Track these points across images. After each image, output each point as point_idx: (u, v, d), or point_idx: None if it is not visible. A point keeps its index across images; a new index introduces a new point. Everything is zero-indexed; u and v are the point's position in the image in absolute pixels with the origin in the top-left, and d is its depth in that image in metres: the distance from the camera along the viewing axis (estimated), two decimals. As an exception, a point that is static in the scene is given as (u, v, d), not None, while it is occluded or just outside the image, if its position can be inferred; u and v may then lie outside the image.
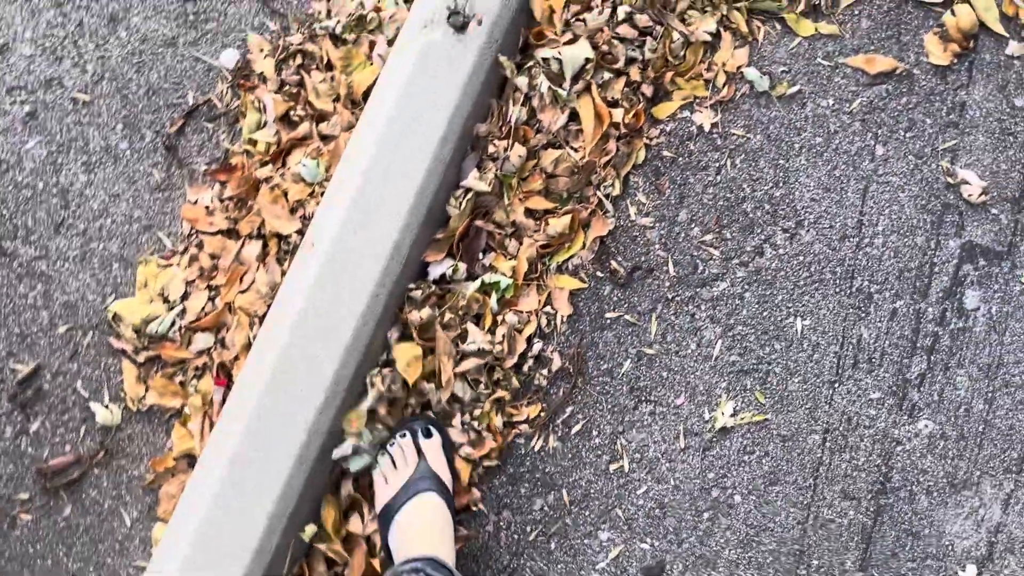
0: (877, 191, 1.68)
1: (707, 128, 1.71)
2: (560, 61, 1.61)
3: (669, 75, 1.68)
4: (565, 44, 1.63)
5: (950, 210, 1.66)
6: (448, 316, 1.54)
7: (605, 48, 1.64)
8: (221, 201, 1.72)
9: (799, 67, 1.73)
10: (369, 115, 1.54)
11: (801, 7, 1.74)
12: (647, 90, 1.67)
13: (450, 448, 1.50)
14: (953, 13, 1.71)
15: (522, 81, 1.61)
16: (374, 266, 1.44)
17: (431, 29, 1.55)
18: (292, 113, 1.73)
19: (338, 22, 1.75)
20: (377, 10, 1.77)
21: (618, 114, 1.63)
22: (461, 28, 1.54)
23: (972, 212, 1.65)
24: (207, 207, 1.72)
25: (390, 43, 1.69)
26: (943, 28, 1.72)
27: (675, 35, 1.67)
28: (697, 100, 1.72)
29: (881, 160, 1.69)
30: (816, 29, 1.75)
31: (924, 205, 1.67)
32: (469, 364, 1.53)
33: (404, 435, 1.49)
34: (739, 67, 1.72)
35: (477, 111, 1.59)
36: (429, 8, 1.56)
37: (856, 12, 1.75)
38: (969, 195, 1.66)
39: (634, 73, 1.66)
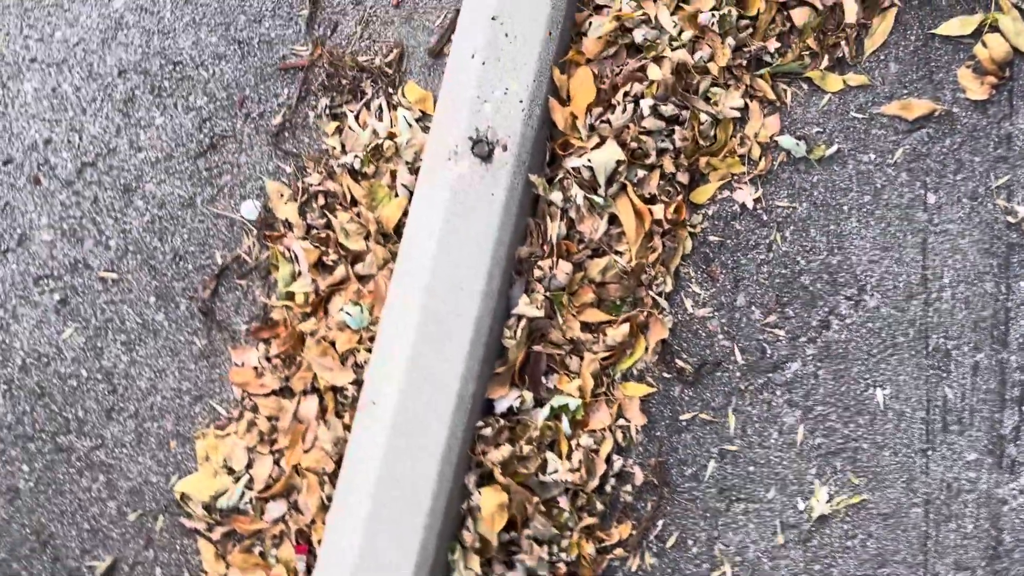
0: (936, 242, 1.64)
1: (750, 205, 1.68)
2: (591, 168, 1.58)
3: (703, 158, 1.65)
4: (593, 149, 1.61)
5: (1016, 250, 1.63)
6: (525, 449, 1.51)
7: (634, 145, 1.61)
8: (268, 360, 1.70)
9: (834, 125, 1.70)
10: (407, 260, 1.54)
11: (825, 63, 1.71)
12: (683, 178, 1.65)
13: None
14: (984, 44, 1.67)
15: (556, 196, 1.59)
16: (440, 428, 1.44)
17: (456, 161, 1.53)
18: (325, 258, 1.71)
19: (355, 156, 1.72)
20: (391, 136, 1.75)
21: (658, 210, 1.61)
22: (487, 157, 1.51)
23: (1039, 249, 1.62)
24: (255, 368, 1.70)
25: (411, 169, 1.68)
26: (975, 61, 1.68)
27: (702, 117, 1.64)
28: (735, 177, 1.69)
29: (935, 209, 1.65)
30: (844, 82, 1.71)
31: (987, 249, 1.63)
32: (551, 495, 1.51)
33: None
34: (772, 136, 1.69)
35: (516, 236, 1.57)
36: (451, 138, 1.54)
37: (882, 57, 1.71)
38: (1033, 232, 1.62)
39: (667, 164, 1.63)
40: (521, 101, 1.58)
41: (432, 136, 1.64)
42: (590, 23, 1.70)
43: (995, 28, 1.72)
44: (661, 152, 1.67)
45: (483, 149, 1.55)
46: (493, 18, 1.59)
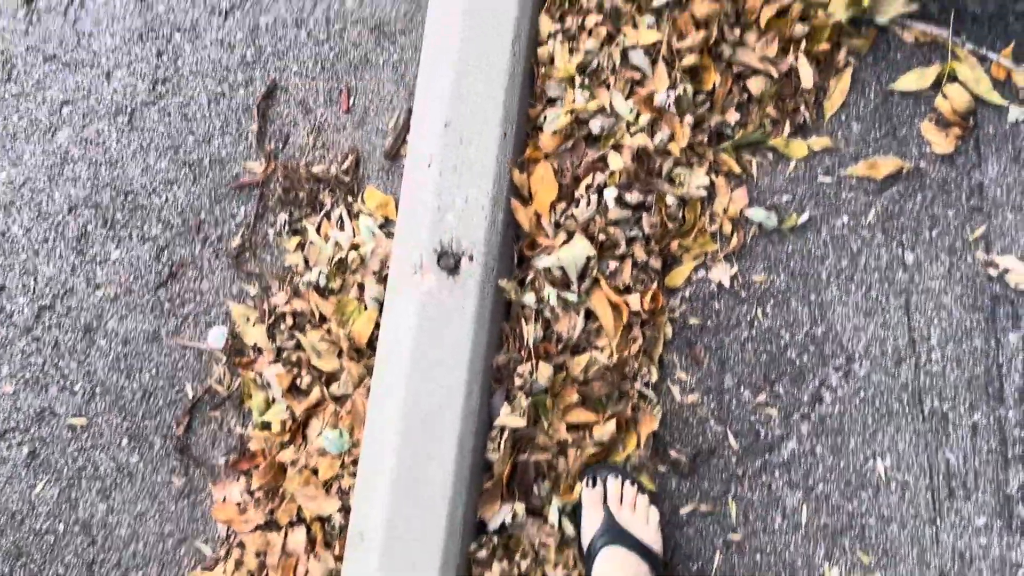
0: (920, 302, 1.62)
1: (727, 283, 1.66)
2: (562, 266, 1.56)
3: (674, 241, 1.63)
4: (561, 246, 1.58)
5: (1001, 302, 1.61)
6: (523, 565, 1.48)
7: (602, 237, 1.59)
8: (251, 494, 1.66)
9: (803, 191, 1.69)
10: (382, 382, 1.53)
11: (787, 129, 1.70)
12: (656, 263, 1.63)
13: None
14: (944, 96, 1.67)
15: (529, 298, 1.57)
16: (432, 557, 1.40)
17: (422, 275, 1.51)
18: (298, 381, 1.68)
19: (320, 272, 1.70)
20: (355, 247, 1.72)
21: (634, 300, 1.59)
22: (454, 269, 1.48)
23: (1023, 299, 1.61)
24: (238, 504, 1.66)
25: (379, 278, 1.65)
26: (938, 113, 1.68)
27: (669, 199, 1.62)
28: (709, 256, 1.67)
29: (914, 268, 1.64)
30: (809, 147, 1.70)
31: (972, 304, 1.61)
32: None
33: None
34: (742, 210, 1.68)
35: (492, 344, 1.54)
36: (415, 252, 1.52)
37: (844, 118, 1.70)
38: (1016, 283, 1.61)
39: (638, 252, 1.61)
40: (483, 207, 1.56)
41: (396, 250, 1.62)
42: (545, 117, 1.69)
43: (954, 78, 1.72)
44: (631, 241, 1.65)
45: (449, 262, 1.53)
46: (446, 125, 1.58)
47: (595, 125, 1.69)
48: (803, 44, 1.74)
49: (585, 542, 1.57)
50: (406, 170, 1.68)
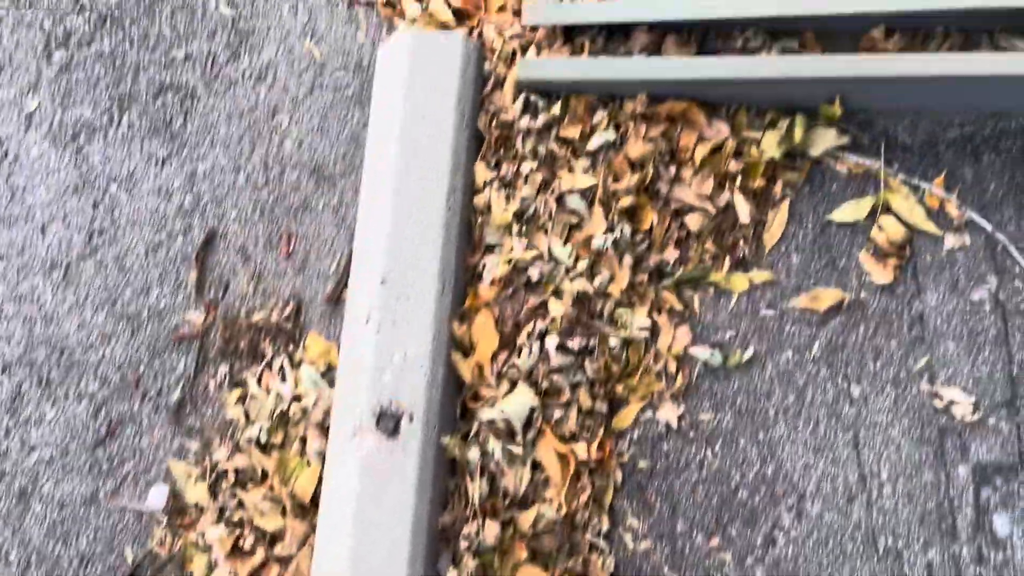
0: (868, 437, 1.62)
1: (674, 424, 1.66)
2: (506, 418, 1.54)
3: (619, 385, 1.62)
4: (505, 396, 1.57)
5: (948, 434, 1.62)
6: None
7: (546, 384, 1.58)
8: (194, 665, 1.61)
9: (746, 326, 1.69)
10: (324, 550, 1.51)
11: (727, 264, 1.71)
12: (602, 407, 1.63)
13: None
14: (880, 228, 1.69)
15: (473, 454, 1.55)
16: None
17: (362, 437, 1.49)
18: (241, 542, 1.64)
19: (261, 428, 1.67)
20: (297, 398, 1.70)
21: (581, 448, 1.58)
22: (393, 431, 1.46)
23: (971, 431, 1.61)
24: (180, 676, 1.60)
25: (322, 429, 1.63)
26: (874, 244, 1.69)
27: (612, 341, 1.62)
28: (655, 397, 1.67)
29: (861, 401, 1.64)
30: (750, 281, 1.72)
31: (920, 437, 1.62)
32: None
33: None
34: (686, 348, 1.68)
35: (436, 504, 1.52)
36: (354, 414, 1.51)
37: (783, 250, 1.72)
38: (962, 415, 1.61)
39: (583, 398, 1.61)
40: (422, 365, 1.55)
41: (336, 410, 1.60)
42: (484, 265, 1.69)
43: (888, 208, 1.74)
44: (575, 387, 1.65)
45: (388, 424, 1.51)
46: (383, 281, 1.57)
47: (534, 272, 1.70)
48: (738, 180, 1.77)
49: None
50: (345, 324, 1.67)
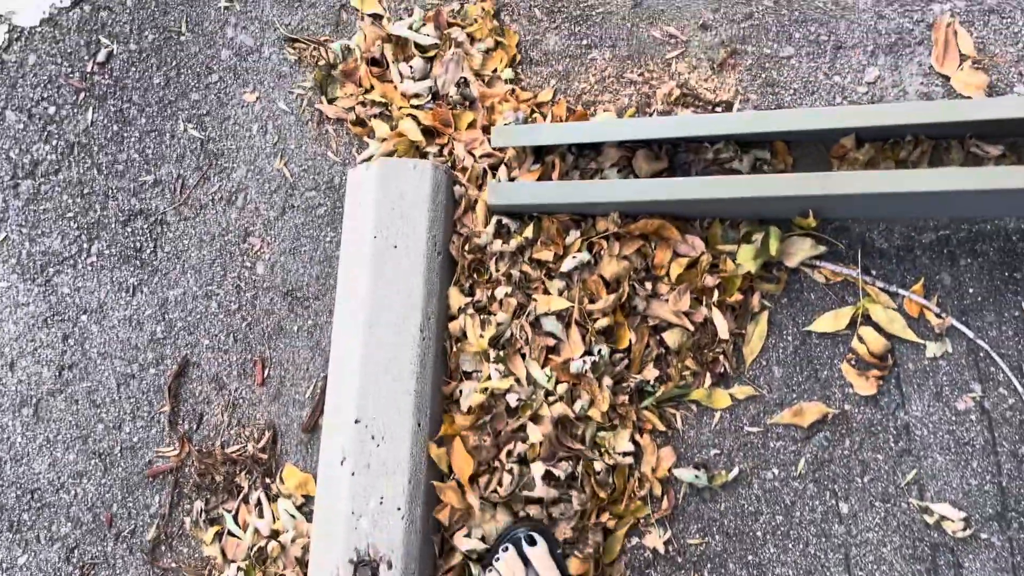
0: (859, 555, 1.60)
1: (661, 549, 1.64)
2: (488, 547, 1.52)
3: (604, 513, 1.60)
4: (487, 523, 1.54)
5: (940, 550, 1.59)
6: None
7: (532, 511, 1.55)
8: None
9: (730, 443, 1.68)
10: None
11: (708, 380, 1.70)
12: (591, 542, 1.58)
13: (559, 552, 1.60)
14: (860, 339, 1.68)
15: (455, 595, 1.52)
16: None
17: (341, 588, 1.46)
18: None
19: (238, 568, 1.64)
20: (275, 534, 1.67)
21: (566, 582, 1.54)
22: (372, 578, 1.44)
23: (963, 546, 1.59)
24: None
25: (301, 564, 1.60)
26: (855, 355, 1.68)
27: (596, 467, 1.60)
28: (641, 522, 1.64)
29: (850, 518, 1.62)
30: (731, 397, 1.71)
31: (912, 554, 1.60)
32: None
33: (507, 548, 1.58)
34: (670, 469, 1.65)
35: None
36: (330, 561, 1.48)
37: (764, 363, 1.71)
38: (953, 531, 1.59)
39: (566, 532, 1.57)
40: (399, 508, 1.53)
41: (312, 556, 1.59)
42: (460, 391, 1.67)
43: (868, 317, 1.74)
44: (557, 520, 1.62)
45: (365, 573, 1.48)
46: (356, 420, 1.55)
47: (512, 398, 1.68)
48: (715, 294, 1.76)
49: None
50: (320, 465, 1.65)
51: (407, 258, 1.70)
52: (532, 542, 1.61)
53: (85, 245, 2.01)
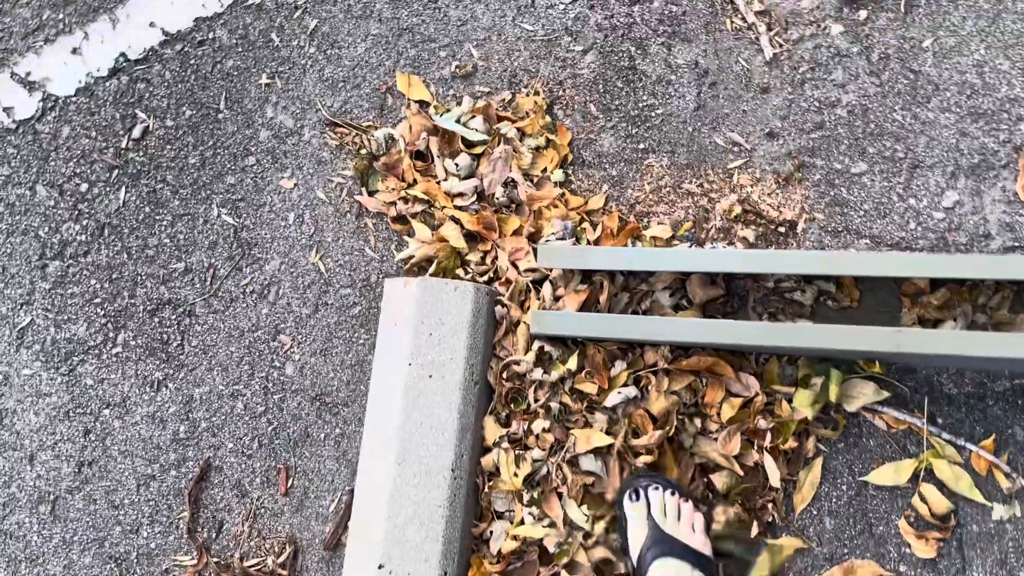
0: None
1: None
2: None
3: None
4: None
5: None
6: None
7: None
8: None
9: (774, 599, 1.59)
10: None
11: (755, 529, 1.60)
12: None
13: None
14: (922, 497, 1.58)
15: None
16: None
17: None
18: None
19: None
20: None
21: None
22: None
23: None
24: None
25: None
26: (915, 513, 1.59)
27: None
28: None
29: None
30: (782, 550, 1.60)
31: None
32: None
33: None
34: (708, 623, 1.57)
35: None
36: None
37: (815, 512, 1.63)
38: None
39: None
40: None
41: None
42: (491, 532, 1.60)
43: (931, 473, 1.64)
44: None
45: None
46: (380, 566, 1.49)
47: (549, 543, 1.61)
48: (768, 437, 1.67)
49: (634, 556, 1.62)
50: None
51: (442, 391, 1.63)
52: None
53: (111, 334, 1.97)
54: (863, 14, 1.94)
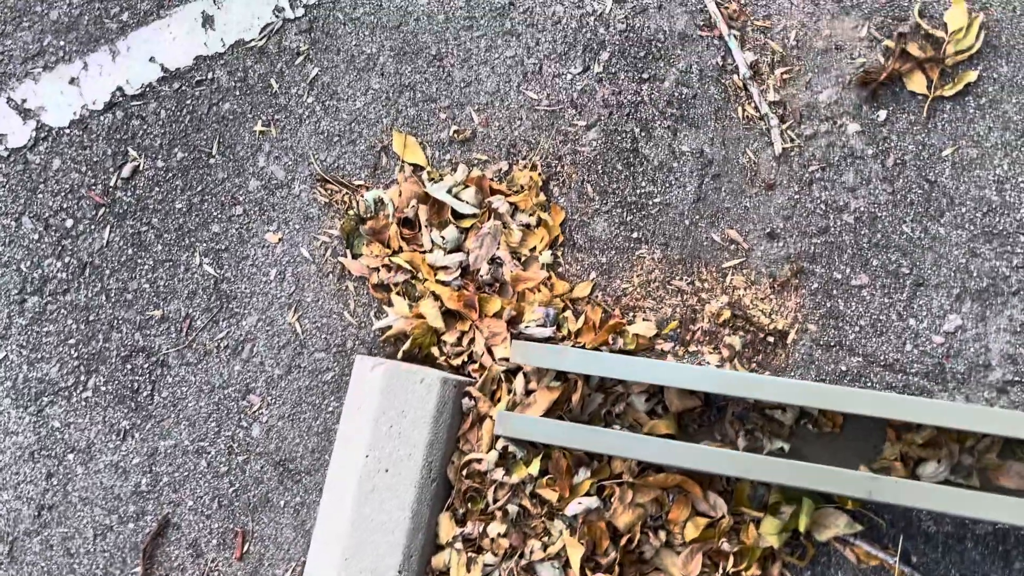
0: None
1: None
2: None
3: None
4: None
5: None
6: None
7: None
8: None
9: None
10: None
11: (708, 653, 1.57)
12: None
13: None
14: (885, 641, 1.53)
15: None
16: None
17: None
18: None
19: None
20: None
21: None
22: None
23: None
24: None
25: None
26: (878, 657, 1.55)
27: None
28: None
29: None
30: (731, 674, 1.57)
31: None
32: None
33: None
34: None
35: None
36: None
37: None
38: None
39: None
40: None
41: None
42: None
43: (898, 615, 1.59)
44: None
45: None
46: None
47: (490, 651, 1.58)
48: (731, 561, 1.62)
49: None
50: None
51: (396, 488, 1.60)
52: None
53: (82, 377, 1.96)
54: (883, 114, 1.85)
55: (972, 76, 1.80)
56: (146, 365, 1.96)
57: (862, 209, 1.82)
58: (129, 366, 1.96)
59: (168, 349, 1.96)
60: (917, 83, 1.82)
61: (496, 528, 1.66)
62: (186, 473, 1.91)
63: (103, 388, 1.96)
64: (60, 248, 2.03)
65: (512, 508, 1.68)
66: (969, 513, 1.48)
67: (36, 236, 2.04)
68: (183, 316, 1.97)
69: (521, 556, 1.66)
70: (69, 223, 2.04)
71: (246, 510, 1.88)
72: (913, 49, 1.80)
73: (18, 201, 2.05)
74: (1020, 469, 1.64)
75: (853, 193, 1.83)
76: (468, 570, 1.66)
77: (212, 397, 1.93)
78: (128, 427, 1.94)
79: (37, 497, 1.93)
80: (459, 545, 1.67)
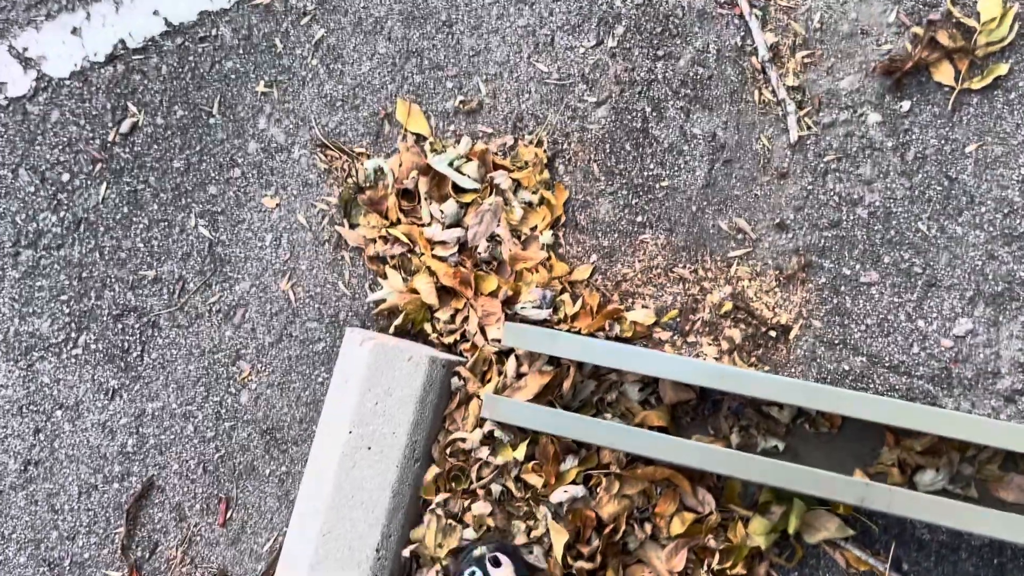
0: None
1: None
2: None
3: None
4: None
5: None
6: None
7: None
8: None
9: None
10: None
11: (688, 649, 1.55)
12: None
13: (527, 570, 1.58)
14: (869, 649, 1.51)
15: None
16: None
17: None
18: None
19: None
20: None
21: None
22: None
23: None
24: None
25: None
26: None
27: None
28: None
29: None
30: (710, 672, 1.55)
31: None
32: None
33: (473, 573, 1.54)
34: None
35: None
36: None
37: (755, 642, 1.55)
38: None
39: None
40: None
41: None
42: (412, 612, 1.57)
43: (884, 623, 1.56)
44: None
45: None
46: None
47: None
48: (716, 558, 1.59)
49: None
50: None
51: (378, 466, 1.57)
52: (496, 563, 1.54)
53: (73, 334, 1.95)
54: (906, 105, 1.77)
55: (1003, 69, 1.72)
56: (137, 325, 1.94)
57: (877, 203, 1.75)
58: (120, 325, 1.94)
59: (160, 310, 1.94)
60: (944, 74, 1.74)
61: (480, 508, 1.64)
62: (173, 436, 1.89)
63: (93, 346, 1.95)
64: (56, 202, 2.00)
65: (496, 488, 1.65)
66: (963, 527, 1.43)
67: (32, 189, 2.01)
68: (176, 278, 1.95)
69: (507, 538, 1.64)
70: (66, 177, 2.01)
71: (231, 477, 1.86)
72: (942, 38, 1.71)
73: (15, 152, 2.03)
74: (1021, 482, 1.59)
75: (869, 186, 1.76)
76: (445, 536, 1.63)
77: (202, 361, 1.91)
78: (116, 387, 1.93)
79: (24, 452, 1.93)
80: (440, 512, 1.65)
